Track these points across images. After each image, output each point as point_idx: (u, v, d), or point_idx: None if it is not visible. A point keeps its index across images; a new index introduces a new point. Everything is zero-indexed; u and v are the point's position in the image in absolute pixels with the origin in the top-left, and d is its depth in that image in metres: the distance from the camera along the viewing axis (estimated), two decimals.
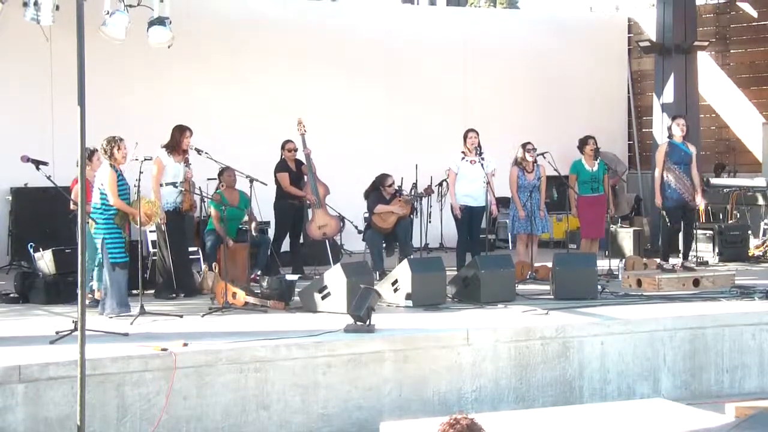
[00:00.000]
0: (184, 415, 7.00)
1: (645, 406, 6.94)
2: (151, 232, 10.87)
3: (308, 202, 11.93)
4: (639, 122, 17.75)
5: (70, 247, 9.56)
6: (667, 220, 11.88)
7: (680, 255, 11.98)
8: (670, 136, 11.94)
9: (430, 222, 14.53)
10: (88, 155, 9.45)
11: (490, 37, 16.60)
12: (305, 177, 11.83)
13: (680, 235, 12.03)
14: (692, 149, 11.91)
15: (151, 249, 10.97)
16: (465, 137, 11.45)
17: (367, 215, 12.07)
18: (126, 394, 6.85)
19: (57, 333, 7.46)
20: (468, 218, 11.40)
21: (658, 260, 11.76)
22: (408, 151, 14.85)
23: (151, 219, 9.28)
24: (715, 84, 16.64)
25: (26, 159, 9.87)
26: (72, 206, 9.74)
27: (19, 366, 6.62)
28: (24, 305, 9.77)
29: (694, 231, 12.21)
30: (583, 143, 12.09)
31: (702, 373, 8.65)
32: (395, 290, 9.39)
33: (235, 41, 14.62)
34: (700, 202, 12.15)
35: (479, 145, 11.32)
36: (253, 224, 10.90)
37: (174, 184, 10.07)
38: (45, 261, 10.05)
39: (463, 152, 11.41)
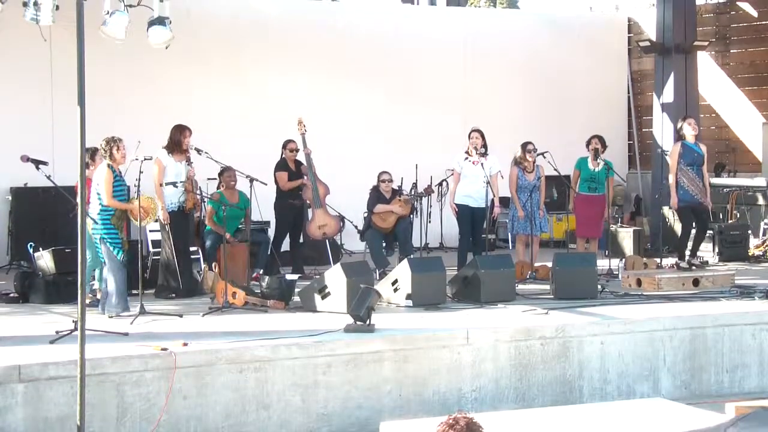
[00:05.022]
0: (184, 415, 7.00)
1: (645, 406, 6.93)
2: (152, 231, 10.86)
3: (307, 201, 11.92)
4: (639, 122, 17.73)
5: (70, 247, 9.55)
6: (679, 221, 11.83)
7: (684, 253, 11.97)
8: (682, 137, 11.87)
9: (430, 222, 14.52)
10: (90, 154, 9.46)
11: (490, 37, 16.58)
12: (305, 177, 11.83)
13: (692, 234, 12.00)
14: (704, 149, 11.89)
15: (151, 249, 10.96)
16: (469, 137, 11.42)
17: (367, 215, 12.07)
18: (126, 393, 6.85)
19: (57, 333, 7.47)
20: (470, 219, 11.35)
21: (658, 260, 11.76)
22: (408, 151, 14.82)
23: (149, 214, 9.25)
24: (715, 84, 16.62)
25: (26, 159, 9.85)
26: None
27: (19, 366, 6.63)
28: (24, 305, 9.76)
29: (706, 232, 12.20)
30: (587, 142, 12.14)
31: (702, 373, 8.66)
32: (395, 290, 9.39)
33: (235, 41, 14.61)
34: (708, 204, 12.05)
35: (484, 146, 11.31)
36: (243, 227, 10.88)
37: (174, 184, 10.04)
38: (45, 261, 10.05)
39: (466, 152, 11.39)
